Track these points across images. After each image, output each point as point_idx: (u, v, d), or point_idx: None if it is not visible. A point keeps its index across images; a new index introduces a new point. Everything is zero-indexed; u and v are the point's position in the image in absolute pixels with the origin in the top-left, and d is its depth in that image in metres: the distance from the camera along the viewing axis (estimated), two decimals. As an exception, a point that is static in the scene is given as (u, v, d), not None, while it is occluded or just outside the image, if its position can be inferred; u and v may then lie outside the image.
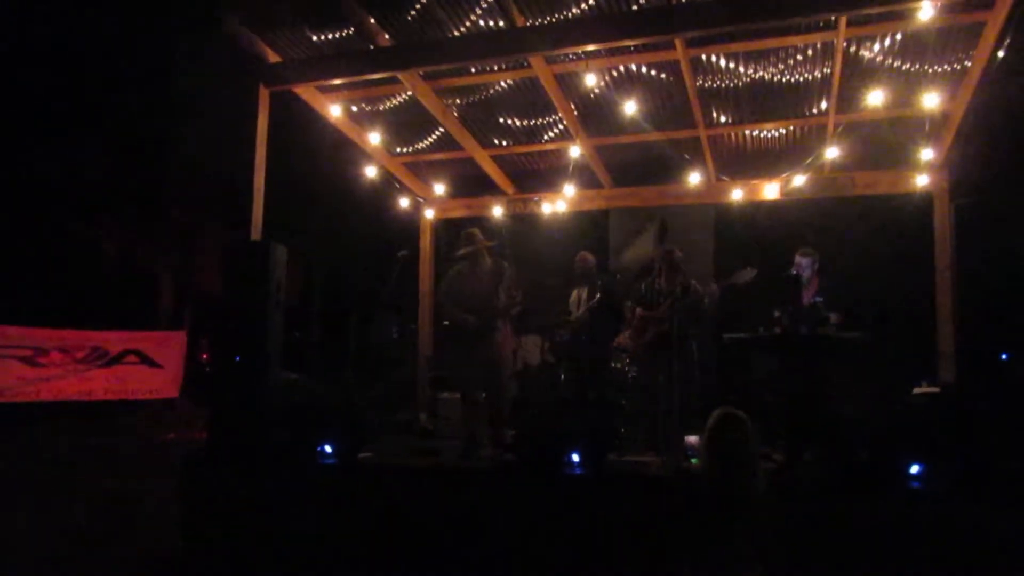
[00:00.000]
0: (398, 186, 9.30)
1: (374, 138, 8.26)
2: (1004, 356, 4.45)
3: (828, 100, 7.27)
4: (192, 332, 12.50)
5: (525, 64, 7.00)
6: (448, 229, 9.87)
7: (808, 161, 8.05)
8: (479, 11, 6.32)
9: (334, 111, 7.66)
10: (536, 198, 9.34)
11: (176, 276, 14.19)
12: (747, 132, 8.16)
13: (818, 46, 6.56)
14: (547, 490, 4.69)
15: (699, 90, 7.24)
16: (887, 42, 6.49)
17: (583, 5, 6.12)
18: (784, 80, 7.08)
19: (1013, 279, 4.55)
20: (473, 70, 7.32)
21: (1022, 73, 5.10)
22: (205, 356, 13.02)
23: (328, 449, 5.33)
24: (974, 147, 7.43)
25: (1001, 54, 5.92)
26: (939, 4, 5.50)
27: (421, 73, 7.19)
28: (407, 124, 8.34)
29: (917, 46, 6.49)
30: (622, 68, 7.10)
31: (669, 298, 6.22)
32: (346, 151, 8.55)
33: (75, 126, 12.77)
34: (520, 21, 6.27)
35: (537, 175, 9.39)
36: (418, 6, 6.30)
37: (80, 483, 7.21)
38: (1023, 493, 3.94)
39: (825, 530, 4.05)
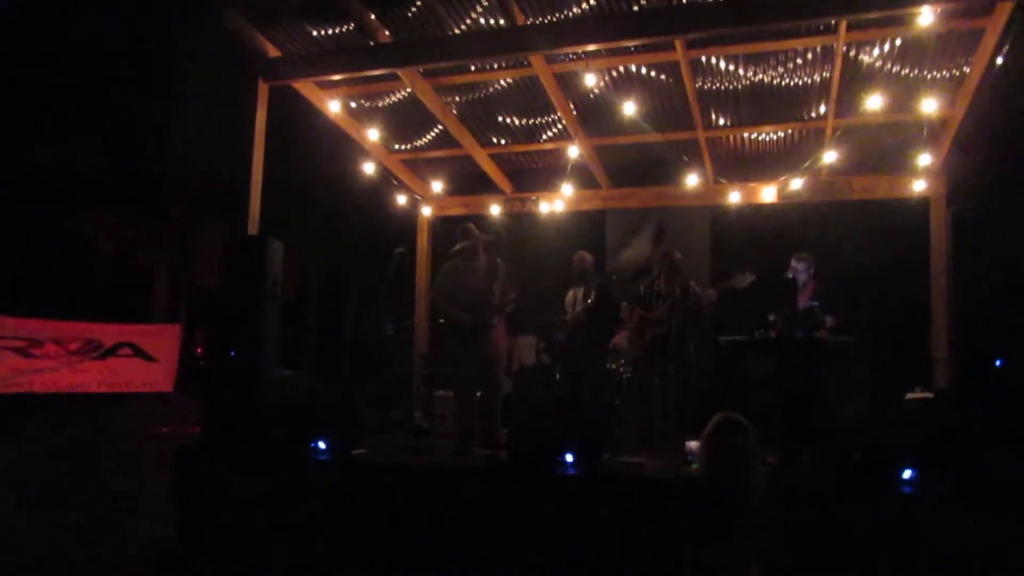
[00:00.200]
0: (396, 183, 9.29)
1: (373, 135, 8.25)
2: (998, 362, 4.48)
3: (827, 104, 7.28)
4: (187, 326, 12.48)
5: (525, 63, 7.00)
6: (445, 227, 9.86)
7: (806, 165, 8.06)
8: (480, 9, 6.31)
9: (333, 107, 7.64)
10: (534, 197, 9.34)
11: (172, 270, 14.17)
12: (745, 135, 8.17)
13: (818, 50, 6.57)
14: (541, 490, 4.68)
15: (698, 92, 7.24)
16: (887, 47, 6.50)
17: (584, 5, 6.11)
18: (783, 83, 7.09)
19: (1008, 286, 4.56)
20: (473, 68, 7.31)
21: (1021, 80, 5.11)
22: (200, 350, 13.00)
23: (322, 445, 5.32)
24: (972, 153, 7.45)
25: (1000, 61, 5.93)
26: (939, 10, 5.51)
27: (421, 70, 7.19)
28: (406, 121, 8.33)
29: (916, 52, 6.51)
30: (622, 68, 7.10)
31: (668, 300, 6.23)
32: (344, 147, 8.54)
33: (73, 120, 12.73)
34: (521, 19, 6.26)
35: (535, 174, 9.39)
36: (419, 3, 6.29)
37: (72, 477, 7.19)
38: (1015, 499, 3.94)
39: (820, 533, 4.05)
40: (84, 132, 12.84)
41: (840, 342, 6.29)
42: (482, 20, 6.40)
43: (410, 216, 9.68)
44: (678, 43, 6.41)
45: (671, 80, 7.15)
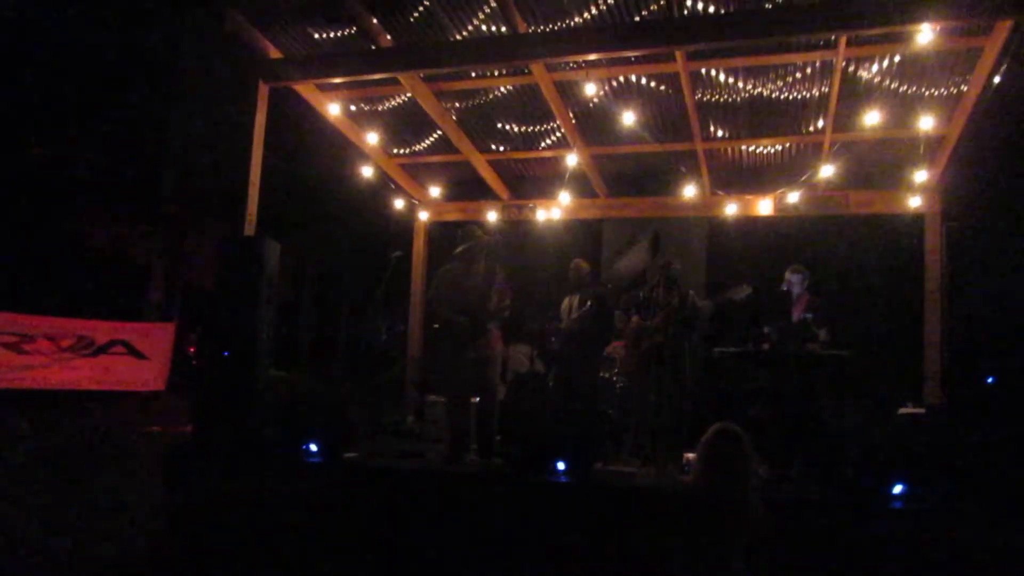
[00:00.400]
0: (393, 187, 9.30)
1: (372, 138, 8.26)
2: (990, 380, 4.49)
3: (825, 118, 7.32)
4: (181, 325, 12.44)
5: (526, 70, 7.02)
6: (442, 232, 9.88)
7: (803, 178, 8.09)
8: (482, 16, 6.34)
9: (333, 110, 7.66)
10: (531, 204, 9.35)
11: (168, 269, 14.13)
12: (743, 147, 8.21)
13: (817, 64, 6.60)
14: (533, 497, 4.68)
15: (697, 103, 7.28)
16: (885, 63, 6.54)
17: (586, 14, 6.15)
18: (782, 97, 7.13)
19: (1002, 304, 4.58)
20: (474, 74, 7.33)
21: (1017, 99, 5.15)
22: (192, 349, 12.95)
23: (313, 448, 5.31)
24: (968, 171, 7.49)
25: (997, 80, 5.98)
26: (938, 28, 5.55)
27: (421, 75, 7.21)
28: (405, 125, 8.36)
29: (915, 69, 6.55)
30: (622, 78, 7.14)
31: (665, 310, 6.24)
32: (343, 150, 8.55)
33: (70, 117, 12.71)
34: (522, 27, 6.29)
35: (533, 181, 9.41)
36: (421, 9, 6.32)
37: (61, 475, 7.15)
38: (1004, 516, 3.96)
39: (810, 546, 4.06)
40: (82, 129, 12.81)
41: (833, 356, 6.30)
42: (484, 27, 6.43)
43: (407, 220, 9.69)
44: (678, 54, 6.44)
45: (670, 91, 7.18)
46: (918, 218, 8.01)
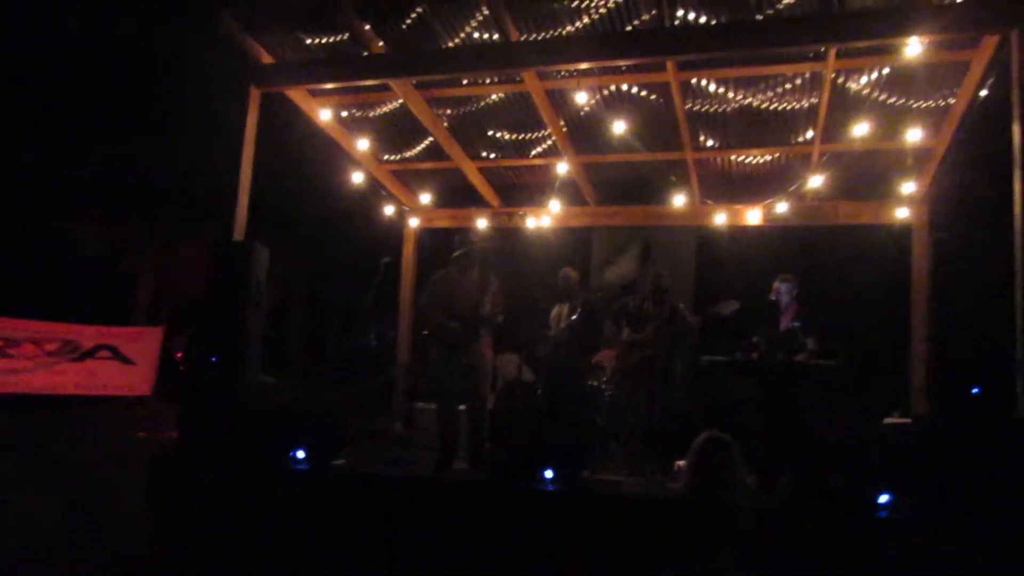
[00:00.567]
0: (384, 193, 9.30)
1: (363, 144, 8.26)
2: (975, 390, 4.53)
3: (814, 129, 7.36)
4: (169, 330, 12.37)
5: (517, 78, 7.05)
6: (432, 238, 9.88)
7: (792, 189, 8.14)
8: (474, 23, 6.35)
9: (324, 115, 7.65)
10: (521, 212, 9.36)
11: (156, 273, 14.06)
12: (733, 157, 8.24)
13: (807, 76, 6.65)
14: (521, 505, 4.68)
15: (688, 113, 7.31)
16: (874, 75, 6.60)
17: (578, 23, 6.18)
18: (772, 107, 7.17)
19: (987, 314, 4.62)
20: (465, 81, 7.35)
21: (1004, 113, 5.20)
22: (179, 355, 12.88)
23: (301, 454, 5.29)
24: (955, 183, 7.56)
25: (984, 93, 6.04)
26: (927, 42, 5.60)
27: (413, 82, 7.21)
28: (396, 132, 8.36)
29: (903, 81, 6.61)
30: (613, 87, 7.16)
31: (656, 322, 6.27)
32: (334, 155, 8.54)
33: (60, 121, 12.65)
34: (514, 35, 6.30)
35: (523, 189, 9.42)
36: (413, 16, 6.33)
37: (44, 481, 7.09)
38: (989, 525, 3.98)
39: (796, 555, 4.06)
40: (71, 133, 12.76)
41: (821, 366, 6.33)
42: (476, 35, 6.45)
43: (397, 226, 9.68)
44: (669, 64, 6.46)
45: (661, 100, 7.22)
46: (905, 229, 8.06)
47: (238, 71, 6.56)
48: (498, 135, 8.27)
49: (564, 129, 7.87)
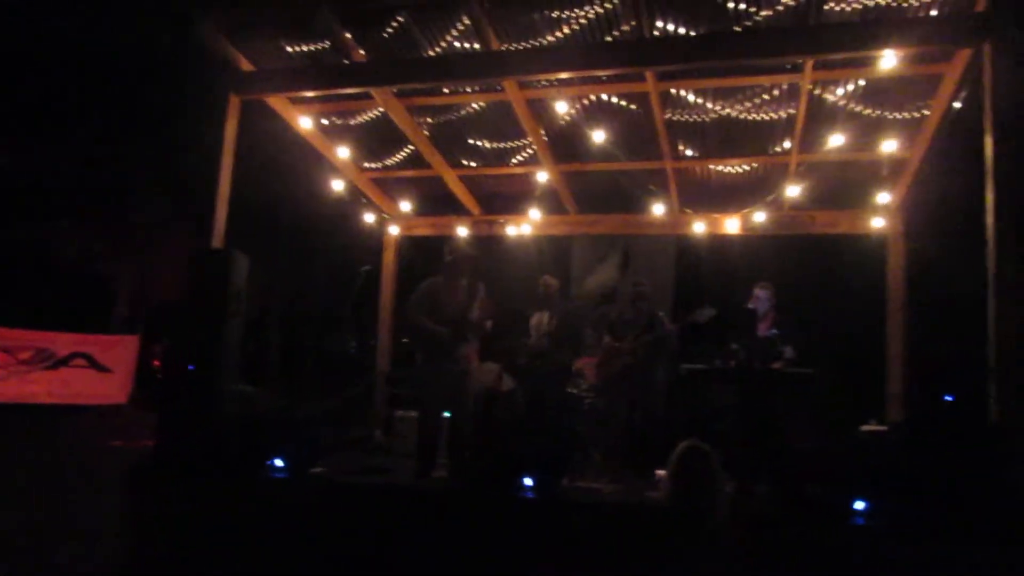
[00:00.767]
0: (364, 201, 9.29)
1: (343, 152, 8.25)
2: (948, 397, 4.59)
3: (791, 140, 7.44)
4: (146, 338, 12.26)
5: (498, 87, 7.07)
6: (412, 246, 9.88)
7: (770, 198, 8.22)
8: (455, 32, 6.38)
9: (304, 123, 7.64)
10: (501, 220, 9.39)
11: (133, 281, 13.94)
12: (712, 166, 8.31)
13: (784, 87, 6.73)
14: (500, 514, 4.68)
15: (667, 123, 7.36)
16: (850, 87, 6.69)
17: (558, 33, 6.21)
18: (750, 118, 7.24)
19: (960, 323, 4.69)
20: (446, 90, 7.36)
21: (977, 125, 5.30)
22: (157, 362, 12.77)
23: (279, 463, 5.26)
24: (929, 193, 7.67)
25: (957, 105, 6.14)
26: (901, 55, 5.69)
27: (394, 90, 7.22)
28: (377, 140, 8.35)
29: (879, 93, 6.71)
30: (593, 97, 7.21)
31: (636, 330, 6.31)
32: (314, 163, 8.52)
33: (35, 125, 12.52)
34: (495, 45, 6.33)
35: (503, 197, 9.45)
36: (395, 24, 6.34)
37: (17, 493, 6.99)
38: (963, 531, 4.03)
39: (773, 562, 4.09)
40: (46, 137, 12.63)
41: (799, 374, 6.39)
42: (457, 44, 6.47)
43: (377, 234, 9.67)
44: (649, 75, 6.52)
45: (641, 110, 7.27)
46: (881, 238, 8.17)
47: (218, 78, 6.53)
48: (479, 144, 8.29)
49: (544, 138, 7.90)
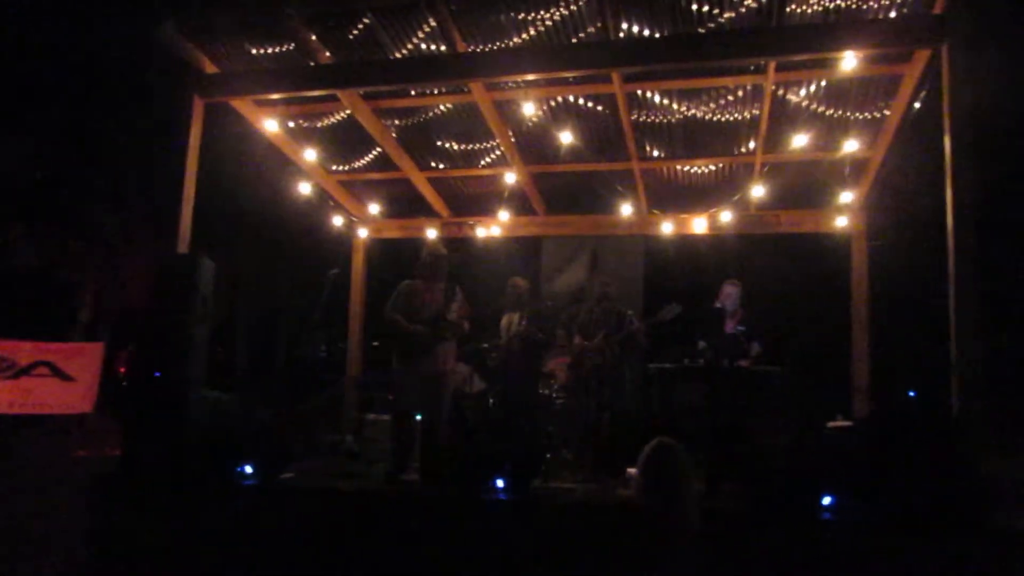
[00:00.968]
0: (332, 204, 9.23)
1: (310, 155, 8.18)
2: (911, 393, 4.68)
3: (756, 140, 7.53)
4: (111, 345, 12.06)
5: (465, 89, 7.06)
6: (382, 249, 9.84)
7: (736, 198, 8.31)
8: (421, 34, 6.36)
9: (270, 126, 7.57)
10: (471, 222, 9.39)
11: (97, 287, 13.71)
12: (679, 167, 8.38)
13: (748, 88, 6.80)
14: (473, 515, 4.67)
15: (634, 124, 7.41)
16: (813, 88, 6.79)
17: (524, 35, 6.22)
18: (715, 119, 7.31)
19: (920, 320, 4.77)
20: (413, 92, 7.34)
21: (936, 124, 5.40)
22: (123, 370, 12.58)
23: (248, 470, 5.21)
24: (890, 192, 7.80)
25: (917, 105, 6.26)
26: (862, 56, 5.78)
27: (361, 92, 7.18)
28: (344, 142, 8.30)
29: (840, 93, 6.81)
30: (560, 99, 7.24)
31: (604, 331, 6.35)
32: (280, 166, 8.45)
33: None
34: (461, 47, 6.33)
35: (472, 199, 9.44)
36: (360, 26, 6.30)
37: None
38: (929, 525, 4.10)
39: (742, 558, 4.14)
40: (6, 140, 12.38)
41: (766, 371, 6.47)
42: (423, 45, 6.45)
43: (346, 237, 9.62)
44: (615, 76, 6.55)
45: (607, 111, 7.31)
46: (845, 237, 8.29)
47: (181, 81, 6.45)
48: (447, 145, 8.28)
49: (512, 139, 7.92)
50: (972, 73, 5.03)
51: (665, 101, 7.10)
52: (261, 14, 6.26)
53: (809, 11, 5.75)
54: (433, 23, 6.18)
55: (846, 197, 7.94)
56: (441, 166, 8.76)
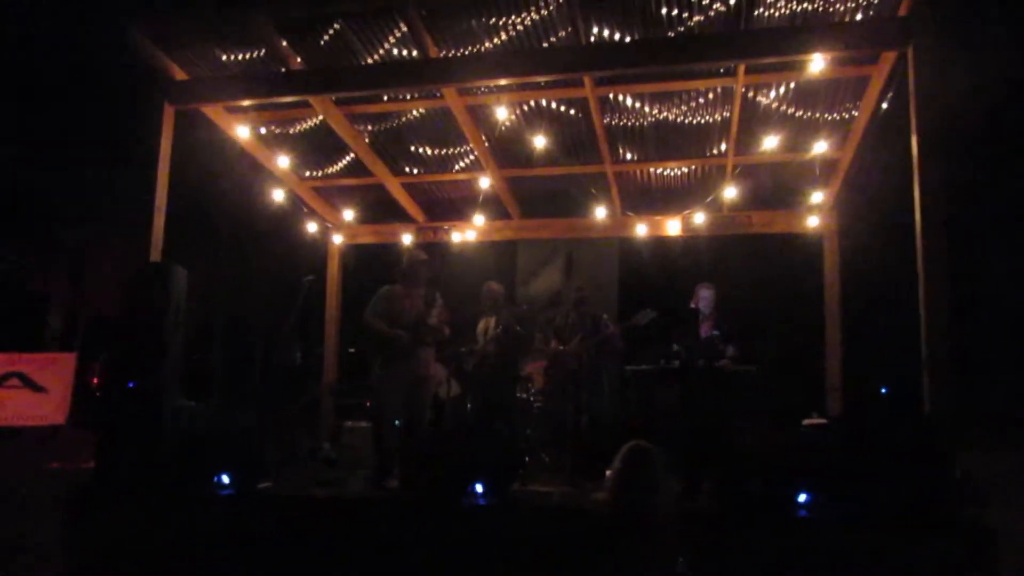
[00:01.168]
0: (306, 210, 9.19)
1: (283, 161, 8.15)
2: (883, 390, 4.74)
3: (727, 142, 7.60)
4: (83, 355, 11.91)
5: (438, 94, 7.06)
6: (357, 255, 9.80)
7: (708, 199, 8.38)
8: (393, 40, 6.36)
9: (242, 132, 7.52)
10: (446, 227, 9.38)
11: (68, 296, 13.54)
12: (651, 169, 8.43)
13: (719, 90, 6.87)
14: (451, 520, 4.67)
15: (607, 127, 7.46)
16: (782, 90, 6.86)
17: (496, 39, 6.25)
18: (687, 121, 7.37)
19: (891, 318, 4.84)
20: (386, 98, 7.33)
21: (903, 125, 5.49)
22: (95, 380, 12.42)
23: (225, 479, 5.17)
24: (860, 191, 7.90)
25: (884, 106, 6.35)
26: (829, 58, 5.86)
27: (333, 98, 7.16)
28: (318, 148, 8.28)
29: (809, 95, 6.90)
30: (532, 103, 7.26)
31: (580, 334, 6.37)
32: (253, 173, 8.40)
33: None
34: (433, 52, 6.33)
35: (447, 204, 9.45)
36: (331, 32, 6.29)
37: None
38: (903, 520, 4.16)
39: (720, 557, 4.17)
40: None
41: (741, 371, 6.53)
42: (395, 51, 6.45)
43: (320, 244, 9.57)
44: (587, 80, 6.59)
45: (580, 115, 7.34)
46: (817, 236, 8.39)
47: (151, 88, 6.40)
48: (420, 151, 8.28)
49: (486, 144, 7.93)
50: (937, 74, 5.11)
51: (637, 104, 7.14)
52: (230, 21, 6.22)
53: (777, 15, 5.83)
54: (404, 28, 6.18)
55: (817, 197, 8.03)
56: (415, 171, 8.75)
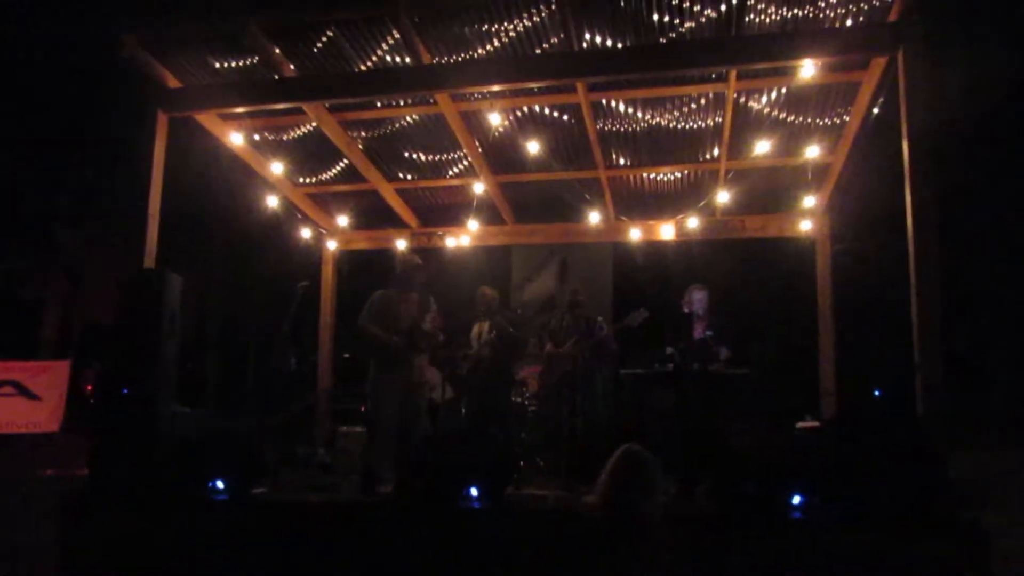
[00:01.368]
0: (300, 217, 9.19)
1: (277, 168, 8.15)
2: (876, 393, 4.77)
3: (720, 147, 7.63)
4: (77, 362, 11.89)
5: (431, 100, 7.08)
6: (351, 261, 9.81)
7: (701, 204, 8.41)
8: (386, 47, 6.37)
9: (236, 139, 7.52)
10: (440, 232, 9.39)
11: (62, 304, 13.51)
12: (645, 174, 8.46)
13: (710, 96, 6.90)
14: (446, 524, 4.68)
15: (600, 133, 7.48)
16: (774, 95, 6.90)
17: (489, 46, 6.26)
18: (679, 127, 7.40)
19: (883, 321, 4.86)
20: (379, 104, 7.34)
21: (894, 130, 5.53)
22: (90, 387, 12.39)
23: (220, 485, 5.16)
24: (852, 196, 7.94)
25: (875, 111, 6.39)
26: (820, 63, 5.90)
27: (326, 105, 7.17)
28: (311, 155, 8.28)
29: (801, 100, 6.93)
30: (526, 109, 7.28)
31: (574, 336, 6.39)
32: (247, 179, 8.40)
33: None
34: (426, 58, 6.35)
35: (441, 209, 9.46)
36: (324, 39, 6.30)
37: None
38: (896, 521, 4.18)
39: (715, 559, 4.18)
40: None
41: (735, 374, 6.55)
42: (388, 57, 6.47)
43: (315, 250, 9.58)
44: (579, 86, 6.61)
45: (573, 121, 7.37)
46: (809, 241, 8.42)
47: (144, 95, 6.41)
48: (414, 156, 8.29)
49: (479, 149, 7.94)
50: (927, 79, 5.15)
51: (630, 110, 7.17)
52: (223, 28, 6.23)
53: (767, 21, 5.86)
54: (397, 35, 6.19)
55: (809, 202, 8.06)
56: (409, 177, 8.77)
